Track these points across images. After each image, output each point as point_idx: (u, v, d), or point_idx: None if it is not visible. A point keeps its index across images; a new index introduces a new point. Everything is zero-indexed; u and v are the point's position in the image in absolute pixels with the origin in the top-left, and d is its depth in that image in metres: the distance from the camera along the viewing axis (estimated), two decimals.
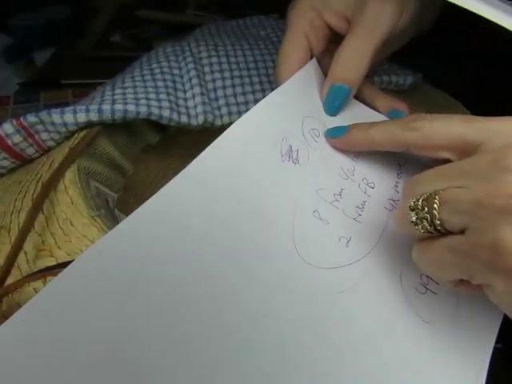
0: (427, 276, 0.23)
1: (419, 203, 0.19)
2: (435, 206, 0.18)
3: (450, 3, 0.21)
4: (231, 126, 0.23)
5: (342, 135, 0.25)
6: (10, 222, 0.25)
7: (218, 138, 0.22)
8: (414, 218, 0.19)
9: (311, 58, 0.28)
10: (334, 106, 0.27)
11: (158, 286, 0.19)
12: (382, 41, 0.26)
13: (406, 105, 0.29)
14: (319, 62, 0.29)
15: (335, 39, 0.28)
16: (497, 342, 0.22)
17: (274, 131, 0.24)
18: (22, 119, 0.27)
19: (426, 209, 0.18)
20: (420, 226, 0.19)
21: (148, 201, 0.20)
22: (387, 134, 0.23)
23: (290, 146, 0.24)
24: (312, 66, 0.28)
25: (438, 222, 0.18)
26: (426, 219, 0.18)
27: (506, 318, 0.23)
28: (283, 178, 0.23)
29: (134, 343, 0.17)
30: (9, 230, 0.25)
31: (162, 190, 0.20)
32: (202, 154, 0.22)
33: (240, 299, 0.20)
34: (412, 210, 0.19)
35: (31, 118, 0.27)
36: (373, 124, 0.24)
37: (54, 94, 0.54)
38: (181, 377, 0.18)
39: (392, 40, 0.27)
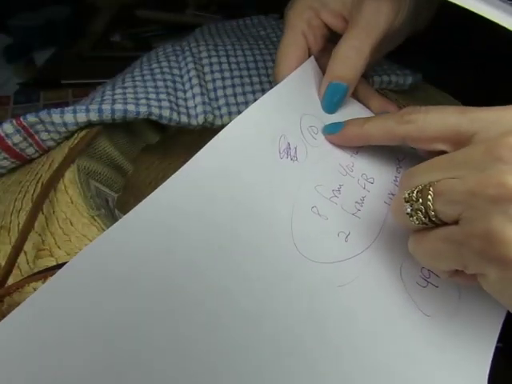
0: (428, 270, 0.23)
1: (414, 195, 0.19)
2: (429, 197, 0.18)
3: (451, 3, 0.21)
4: (227, 126, 0.23)
5: (338, 131, 0.25)
6: (10, 222, 0.25)
7: (214, 138, 0.22)
8: (408, 210, 0.19)
9: (309, 56, 0.28)
10: (332, 103, 0.27)
11: (153, 287, 0.19)
12: (379, 40, 0.26)
13: (397, 108, 0.29)
14: (317, 60, 0.29)
15: (333, 38, 0.28)
16: (497, 341, 0.22)
17: (271, 129, 0.24)
18: (21, 119, 0.27)
19: (421, 200, 0.18)
20: (415, 218, 0.19)
21: (143, 201, 0.20)
22: (383, 128, 0.23)
23: (288, 144, 0.24)
24: (310, 65, 0.28)
25: (433, 213, 0.18)
26: (421, 210, 0.18)
27: (507, 316, 0.22)
28: (281, 175, 0.23)
29: (130, 344, 0.17)
30: (9, 230, 0.25)
31: (157, 190, 0.20)
32: (198, 154, 0.21)
33: (237, 301, 0.20)
34: (407, 201, 0.19)
35: (31, 118, 0.27)
36: (368, 118, 0.24)
37: (54, 94, 0.55)
38: (178, 378, 0.18)
39: (388, 39, 0.27)
